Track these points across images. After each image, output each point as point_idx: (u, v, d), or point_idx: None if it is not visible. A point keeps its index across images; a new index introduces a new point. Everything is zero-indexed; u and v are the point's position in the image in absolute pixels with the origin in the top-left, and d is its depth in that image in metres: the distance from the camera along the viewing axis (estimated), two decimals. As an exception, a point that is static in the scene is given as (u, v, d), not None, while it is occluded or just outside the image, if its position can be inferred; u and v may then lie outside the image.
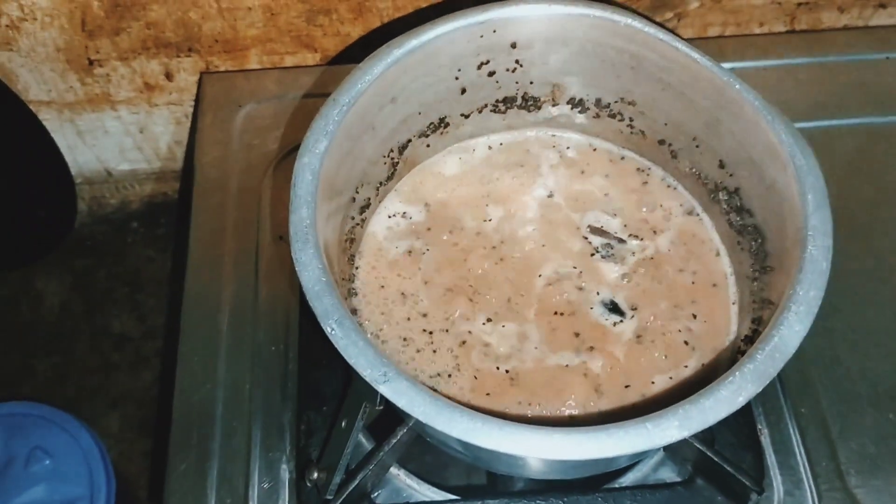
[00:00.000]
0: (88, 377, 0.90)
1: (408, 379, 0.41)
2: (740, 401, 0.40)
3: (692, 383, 0.52)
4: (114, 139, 0.87)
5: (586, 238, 0.57)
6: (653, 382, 0.52)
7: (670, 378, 0.52)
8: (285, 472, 0.57)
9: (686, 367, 0.53)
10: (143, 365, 0.91)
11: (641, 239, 0.57)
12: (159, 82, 0.80)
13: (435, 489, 0.57)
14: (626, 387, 0.52)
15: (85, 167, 0.91)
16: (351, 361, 0.41)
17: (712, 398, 0.40)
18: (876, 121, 0.73)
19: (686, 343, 0.53)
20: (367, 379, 0.41)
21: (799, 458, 0.57)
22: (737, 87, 0.49)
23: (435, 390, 0.51)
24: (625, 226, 0.58)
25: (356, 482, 0.52)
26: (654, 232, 0.58)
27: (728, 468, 0.51)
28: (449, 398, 0.42)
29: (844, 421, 0.59)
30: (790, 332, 0.41)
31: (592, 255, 0.57)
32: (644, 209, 0.59)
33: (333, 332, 0.42)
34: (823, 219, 0.44)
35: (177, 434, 0.59)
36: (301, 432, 0.57)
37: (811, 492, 0.56)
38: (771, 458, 0.57)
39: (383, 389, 0.41)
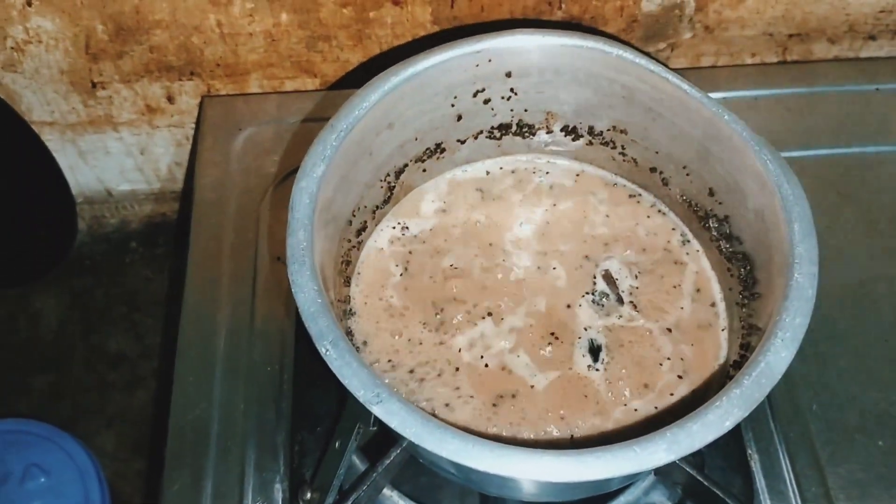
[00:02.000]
0: (84, 396, 0.91)
1: (400, 400, 0.42)
2: (727, 425, 0.40)
3: (681, 409, 0.53)
4: (115, 160, 0.88)
5: (594, 280, 0.58)
6: (636, 410, 0.53)
7: (655, 408, 0.53)
8: (279, 492, 0.57)
9: (672, 395, 0.53)
10: (139, 384, 0.92)
11: (638, 310, 0.57)
12: (161, 105, 0.81)
13: (428, 511, 0.57)
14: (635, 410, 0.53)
15: (86, 187, 0.92)
16: (345, 382, 0.42)
17: (700, 422, 0.40)
18: (865, 150, 0.74)
19: (679, 377, 0.54)
20: (361, 400, 0.42)
21: (788, 483, 0.58)
22: (725, 117, 0.50)
23: (434, 413, 0.51)
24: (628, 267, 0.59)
25: (349, 503, 0.53)
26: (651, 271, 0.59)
27: (718, 492, 0.51)
28: (445, 420, 0.43)
29: (834, 447, 0.59)
30: (776, 357, 0.42)
31: (584, 295, 0.57)
32: (641, 233, 0.60)
33: (328, 353, 0.43)
34: (810, 247, 0.45)
35: (172, 452, 0.59)
36: (295, 453, 0.58)
37: (800, 517, 0.57)
38: (760, 483, 0.58)
39: (376, 410, 0.41)
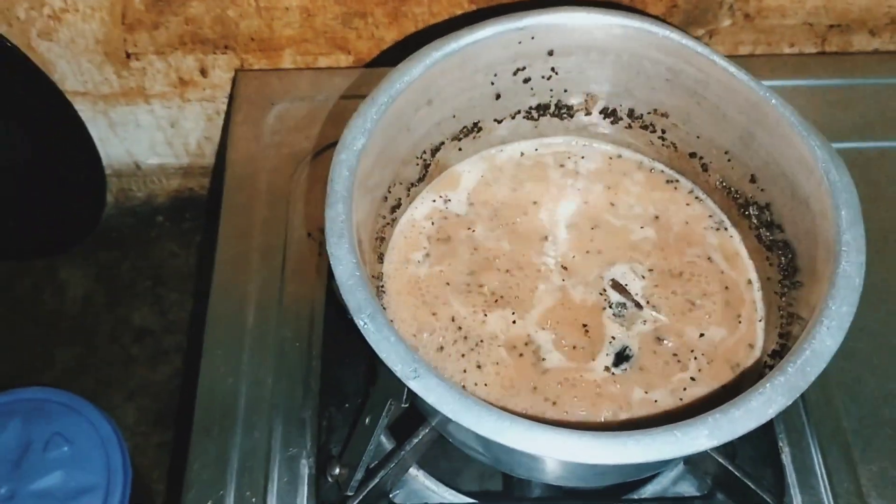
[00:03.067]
0: (107, 369, 0.91)
1: (438, 376, 0.41)
2: (770, 413, 0.40)
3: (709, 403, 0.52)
4: (145, 133, 0.88)
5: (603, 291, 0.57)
6: (655, 401, 0.52)
7: (680, 400, 0.52)
8: (305, 468, 0.57)
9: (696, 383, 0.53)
10: (162, 359, 0.92)
11: (658, 311, 0.55)
12: (193, 78, 0.81)
13: (453, 492, 0.57)
14: (655, 401, 0.52)
15: (115, 160, 0.92)
16: (382, 356, 0.42)
17: (742, 408, 0.40)
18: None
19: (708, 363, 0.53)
20: (398, 374, 0.41)
21: (819, 477, 0.57)
22: (773, 102, 0.49)
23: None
24: (650, 271, 0.57)
25: (376, 480, 0.52)
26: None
27: (750, 484, 0.51)
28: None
29: (866, 443, 0.58)
30: (822, 346, 0.41)
31: (604, 308, 0.56)
32: (674, 226, 0.59)
33: (366, 327, 0.42)
34: (857, 235, 0.44)
35: (199, 426, 0.59)
36: (322, 428, 0.58)
37: (831, 512, 0.56)
38: (791, 477, 0.57)
39: (414, 385, 0.41)
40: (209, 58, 0.78)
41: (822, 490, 0.56)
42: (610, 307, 0.55)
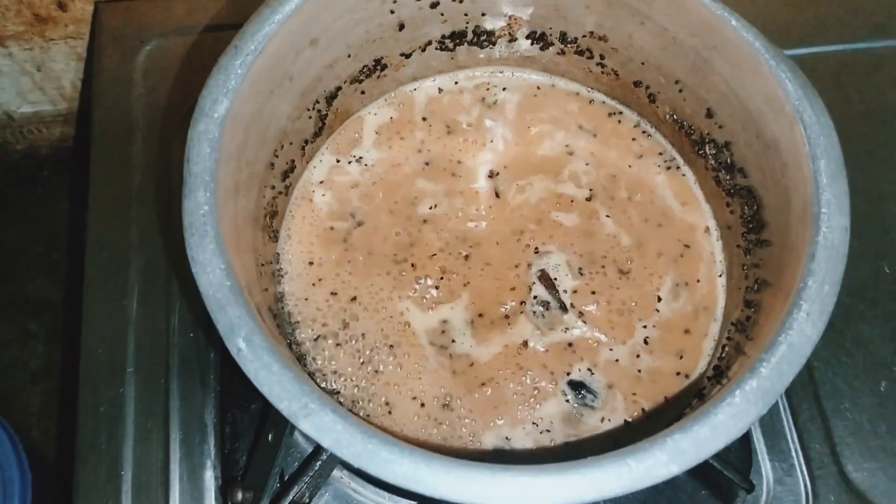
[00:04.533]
0: (3, 349, 0.81)
1: (334, 410, 0.33)
2: (741, 427, 0.33)
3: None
4: (8, 79, 0.75)
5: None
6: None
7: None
8: (210, 480, 0.49)
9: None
10: (64, 333, 0.82)
11: (584, 321, 0.46)
12: (52, 13, 0.68)
13: (383, 493, 0.50)
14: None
15: (-21, 110, 0.79)
16: (264, 391, 0.33)
17: (708, 425, 0.32)
18: (873, 46, 0.64)
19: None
20: (285, 413, 0.33)
21: (790, 441, 0.51)
22: (733, 23, 0.40)
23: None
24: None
25: (290, 497, 0.45)
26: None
27: (714, 463, 0.44)
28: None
29: (839, 395, 0.53)
30: (801, 337, 0.34)
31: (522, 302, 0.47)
32: (614, 160, 0.50)
33: (241, 353, 0.34)
34: (839, 192, 0.36)
35: (83, 440, 0.50)
36: (226, 435, 0.49)
37: (804, 478, 0.50)
38: (759, 443, 0.51)
39: (305, 426, 0.33)
40: (64, -12, 0.65)
41: (794, 454, 0.51)
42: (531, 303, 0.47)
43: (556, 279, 0.47)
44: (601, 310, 0.46)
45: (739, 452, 0.50)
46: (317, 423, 0.32)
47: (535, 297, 0.47)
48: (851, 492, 0.49)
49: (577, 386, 0.45)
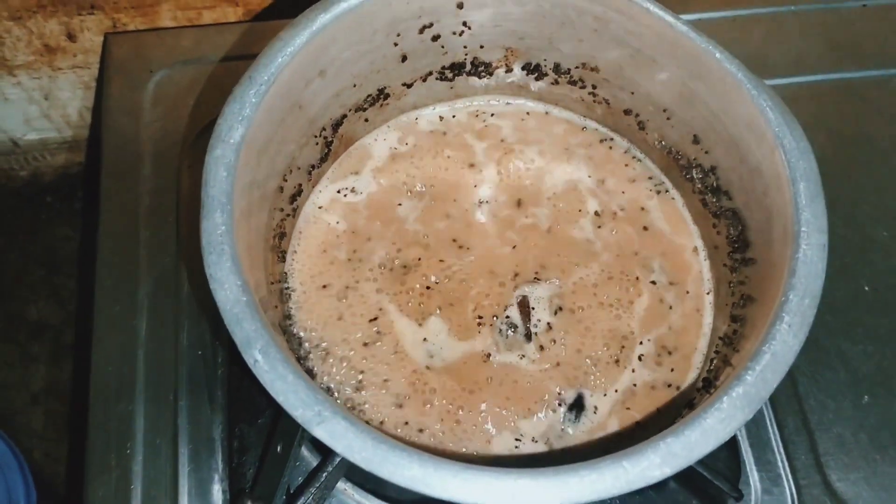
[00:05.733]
0: (5, 371, 0.82)
1: (345, 417, 0.35)
2: (729, 431, 0.35)
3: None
4: (16, 107, 0.78)
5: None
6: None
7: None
8: (218, 493, 0.51)
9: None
10: (66, 354, 0.83)
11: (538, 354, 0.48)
12: (61, 44, 0.70)
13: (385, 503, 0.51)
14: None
15: (-14, 137, 0.81)
16: (279, 399, 0.35)
17: (698, 429, 0.34)
18: (849, 76, 0.67)
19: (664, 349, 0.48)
20: (300, 420, 0.35)
21: (776, 452, 0.53)
22: (717, 55, 0.43)
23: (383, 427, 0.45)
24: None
25: (297, 508, 0.46)
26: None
27: (704, 473, 0.46)
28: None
29: (823, 408, 0.55)
30: (783, 347, 0.36)
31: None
32: (607, 185, 0.53)
33: (258, 364, 0.36)
34: (818, 212, 0.39)
35: (93, 457, 0.52)
36: (234, 450, 0.51)
37: (790, 488, 0.52)
38: (748, 454, 0.53)
39: (318, 433, 0.34)
40: (75, 20, 0.67)
41: (780, 465, 0.53)
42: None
43: (533, 308, 0.49)
44: (564, 350, 0.48)
45: (728, 462, 0.52)
46: (330, 430, 0.34)
47: (507, 317, 0.49)
48: (836, 501, 0.51)
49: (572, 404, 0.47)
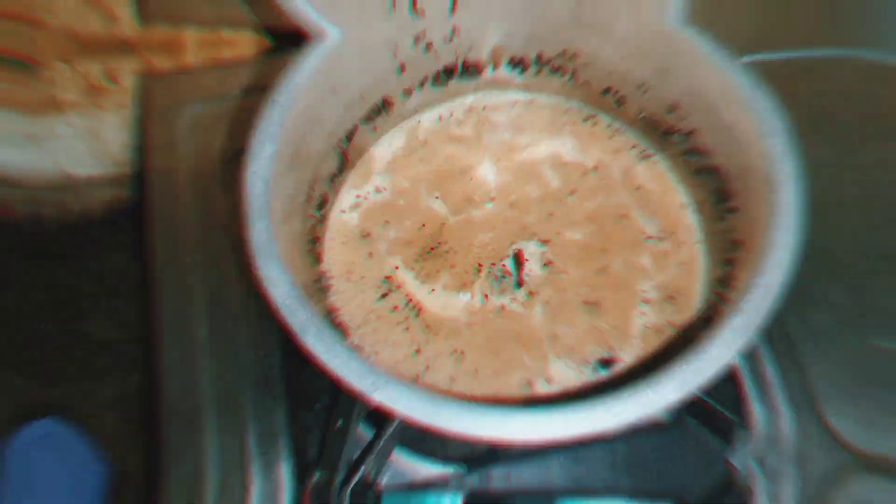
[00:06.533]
0: (74, 384, 0.84)
1: (397, 382, 0.37)
2: (731, 355, 0.36)
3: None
4: (68, 144, 0.79)
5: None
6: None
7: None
8: (284, 472, 0.53)
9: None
10: (132, 367, 0.85)
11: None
12: (103, 84, 0.72)
13: (437, 463, 0.53)
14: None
15: (42, 172, 0.82)
16: (337, 373, 0.37)
17: (705, 357, 0.36)
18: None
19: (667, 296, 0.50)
20: (358, 390, 0.37)
21: (775, 389, 0.54)
22: (686, 34, 0.44)
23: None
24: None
25: (358, 477, 0.48)
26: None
27: (717, 406, 0.48)
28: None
29: (814, 349, 0.55)
30: (773, 278, 0.38)
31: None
32: (594, 155, 0.54)
33: (315, 347, 0.37)
34: (791, 160, 0.40)
35: (168, 451, 0.54)
36: (296, 433, 0.53)
37: (788, 421, 0.53)
38: (750, 390, 0.54)
39: (377, 398, 0.36)
40: (113, 62, 0.69)
41: (779, 401, 0.54)
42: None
43: (527, 260, 0.51)
44: (552, 298, 0.50)
45: (735, 403, 0.53)
46: (386, 395, 0.36)
47: (502, 265, 0.50)
48: (828, 432, 0.53)
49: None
